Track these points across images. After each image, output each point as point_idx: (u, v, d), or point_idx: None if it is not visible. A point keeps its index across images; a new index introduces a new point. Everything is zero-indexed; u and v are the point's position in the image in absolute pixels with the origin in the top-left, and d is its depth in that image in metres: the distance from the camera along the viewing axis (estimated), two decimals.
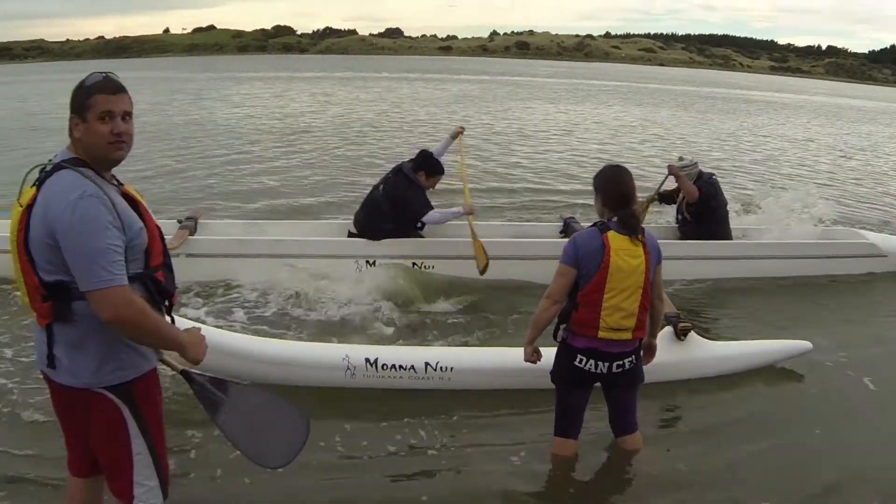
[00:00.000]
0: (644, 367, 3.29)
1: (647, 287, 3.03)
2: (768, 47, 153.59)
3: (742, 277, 6.24)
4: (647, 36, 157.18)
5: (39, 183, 2.03)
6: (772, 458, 3.55)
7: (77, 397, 2.13)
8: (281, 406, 2.48)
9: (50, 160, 2.07)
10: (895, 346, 5.10)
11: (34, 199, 2.01)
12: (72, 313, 2.03)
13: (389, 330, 4.96)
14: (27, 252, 2.03)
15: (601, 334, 3.03)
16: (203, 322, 4.37)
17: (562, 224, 6.57)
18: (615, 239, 2.98)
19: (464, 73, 51.38)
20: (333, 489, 3.20)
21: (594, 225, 3.08)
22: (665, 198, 6.67)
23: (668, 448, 3.64)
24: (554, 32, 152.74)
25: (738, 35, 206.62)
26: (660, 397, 4.06)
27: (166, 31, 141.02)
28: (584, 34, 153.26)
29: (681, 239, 6.38)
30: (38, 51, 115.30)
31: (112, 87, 2.08)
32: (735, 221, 6.79)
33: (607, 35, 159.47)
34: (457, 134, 6.22)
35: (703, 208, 6.20)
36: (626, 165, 3.33)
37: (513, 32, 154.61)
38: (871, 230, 7.64)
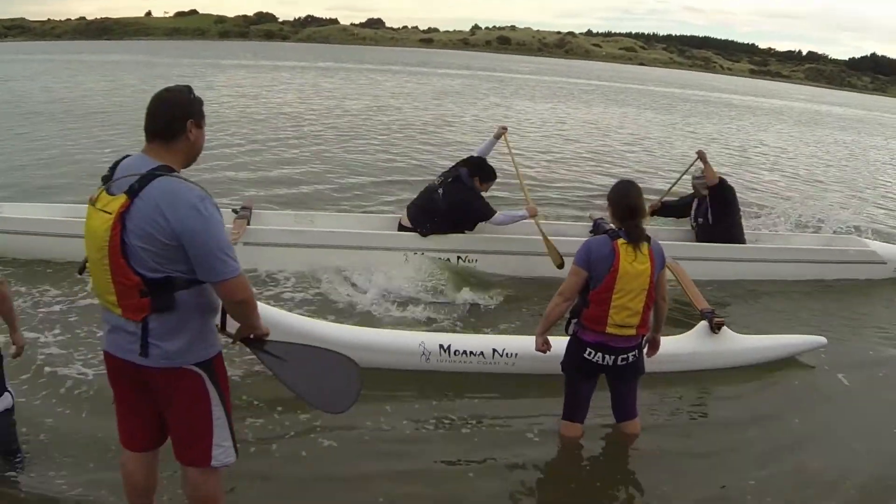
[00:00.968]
0: (654, 357, 3.69)
1: (651, 289, 3.38)
2: (749, 50, 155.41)
3: (752, 279, 6.57)
4: (629, 35, 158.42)
5: (133, 192, 2.17)
6: (758, 442, 3.93)
7: (164, 376, 2.34)
8: (332, 357, 2.74)
9: (144, 173, 2.19)
10: (895, 347, 5.51)
11: (127, 206, 2.16)
12: (174, 302, 2.25)
13: (441, 318, 5.25)
14: (123, 255, 2.18)
15: (609, 330, 3.39)
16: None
17: (591, 225, 6.86)
18: (624, 246, 3.33)
19: (482, 67, 50.76)
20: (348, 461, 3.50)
21: (607, 232, 3.45)
22: (659, 211, 7.08)
23: (674, 434, 4.00)
24: (536, 28, 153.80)
25: (720, 38, 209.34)
26: (672, 386, 4.45)
27: (148, 13, 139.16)
28: (565, 31, 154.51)
29: (697, 241, 6.73)
30: (18, 29, 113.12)
31: None
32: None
33: (589, 33, 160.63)
34: (500, 134, 6.27)
35: (723, 206, 6.55)
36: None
37: (494, 27, 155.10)
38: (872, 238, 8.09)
